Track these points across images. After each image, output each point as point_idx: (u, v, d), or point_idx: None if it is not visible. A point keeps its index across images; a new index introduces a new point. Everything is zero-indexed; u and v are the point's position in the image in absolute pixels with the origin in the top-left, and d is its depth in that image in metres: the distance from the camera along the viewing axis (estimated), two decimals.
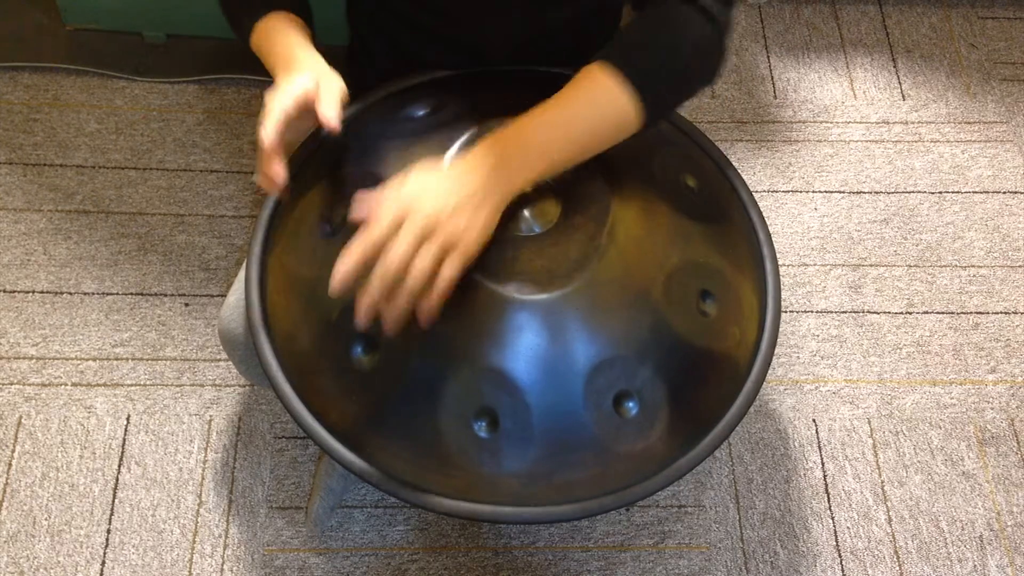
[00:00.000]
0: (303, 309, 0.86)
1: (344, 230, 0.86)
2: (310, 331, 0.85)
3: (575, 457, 0.82)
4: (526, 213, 0.85)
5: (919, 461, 1.41)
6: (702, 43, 0.84)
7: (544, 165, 0.79)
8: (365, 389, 0.83)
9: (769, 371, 1.46)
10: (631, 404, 0.83)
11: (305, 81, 0.83)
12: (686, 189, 0.92)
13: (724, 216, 0.94)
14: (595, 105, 0.80)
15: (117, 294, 1.46)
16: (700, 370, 0.87)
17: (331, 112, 0.83)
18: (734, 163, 1.67)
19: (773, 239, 1.44)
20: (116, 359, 1.41)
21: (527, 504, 0.82)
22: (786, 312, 1.52)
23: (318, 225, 0.89)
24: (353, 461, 0.83)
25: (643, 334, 0.83)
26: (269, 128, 0.80)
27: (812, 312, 1.53)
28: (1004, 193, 1.66)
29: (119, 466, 1.33)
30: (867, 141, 1.70)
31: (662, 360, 0.84)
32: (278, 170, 0.81)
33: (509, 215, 0.85)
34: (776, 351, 1.48)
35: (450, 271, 0.74)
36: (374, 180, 0.87)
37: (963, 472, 1.40)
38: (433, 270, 0.74)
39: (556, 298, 0.81)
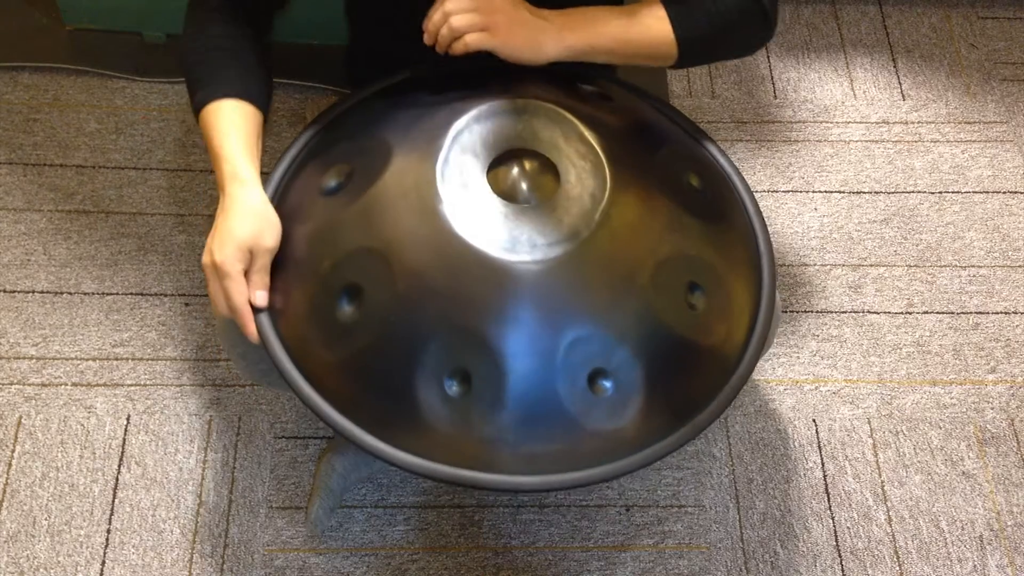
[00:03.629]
0: (296, 270, 0.87)
1: (346, 187, 0.88)
2: (304, 291, 0.86)
3: (543, 430, 0.83)
4: (524, 186, 0.86)
5: (919, 461, 1.41)
6: (749, 29, 0.98)
7: (576, 39, 0.92)
8: (345, 340, 0.84)
9: (769, 371, 1.47)
10: (607, 383, 0.83)
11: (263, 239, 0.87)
12: (689, 187, 0.93)
13: (724, 217, 0.94)
14: (639, 23, 0.95)
15: (117, 294, 1.46)
16: (681, 361, 0.87)
17: (259, 297, 0.87)
18: (735, 163, 1.67)
19: (773, 239, 1.44)
20: (116, 359, 1.41)
21: (489, 471, 0.82)
22: (786, 312, 1.52)
23: (321, 181, 0.90)
24: (326, 411, 0.84)
25: (625, 315, 0.84)
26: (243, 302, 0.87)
27: (812, 312, 1.52)
28: (1004, 193, 1.66)
29: (119, 466, 1.33)
30: (867, 141, 1.70)
31: (642, 344, 0.84)
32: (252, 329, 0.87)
33: (507, 185, 0.86)
34: (776, 351, 1.48)
35: (474, 40, 0.88)
36: (383, 150, 0.88)
37: (963, 472, 1.40)
38: (463, 30, 0.87)
39: (541, 266, 0.81)
